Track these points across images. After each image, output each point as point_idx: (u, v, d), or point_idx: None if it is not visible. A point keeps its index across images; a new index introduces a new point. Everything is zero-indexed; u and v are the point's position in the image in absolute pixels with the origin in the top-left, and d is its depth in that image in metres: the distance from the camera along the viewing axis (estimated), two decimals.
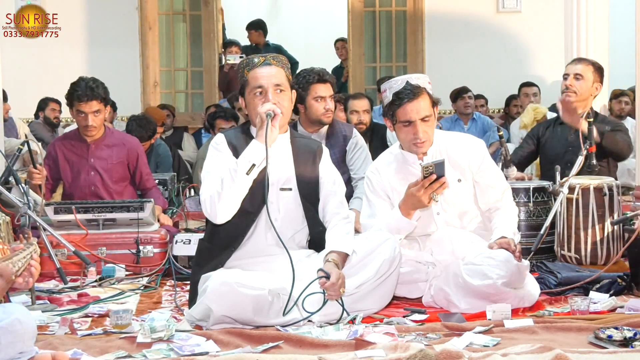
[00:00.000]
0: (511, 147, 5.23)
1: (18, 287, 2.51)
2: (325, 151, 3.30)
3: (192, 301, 3.05)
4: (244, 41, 9.27)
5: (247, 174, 2.95)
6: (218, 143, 3.15)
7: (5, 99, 6.78)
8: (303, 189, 3.15)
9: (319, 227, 3.18)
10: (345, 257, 3.05)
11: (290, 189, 3.14)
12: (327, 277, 2.89)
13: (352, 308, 2.98)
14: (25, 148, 4.03)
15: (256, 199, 3.02)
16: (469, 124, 7.36)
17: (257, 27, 9.26)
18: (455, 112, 7.57)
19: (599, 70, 4.49)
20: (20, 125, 7.24)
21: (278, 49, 8.87)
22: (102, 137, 4.47)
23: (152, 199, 4.24)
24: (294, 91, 3.20)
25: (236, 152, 3.07)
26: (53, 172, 4.46)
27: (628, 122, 6.63)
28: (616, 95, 7.46)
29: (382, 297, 3.11)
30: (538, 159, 4.83)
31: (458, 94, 7.45)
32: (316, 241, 3.17)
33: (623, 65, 7.01)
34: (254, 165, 2.95)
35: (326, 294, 2.90)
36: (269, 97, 3.04)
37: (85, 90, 4.29)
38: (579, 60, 4.60)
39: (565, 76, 4.48)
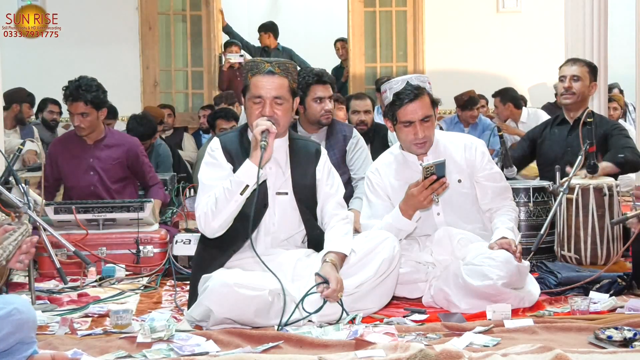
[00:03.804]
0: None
1: (15, 268, 2.49)
2: (324, 153, 3.29)
3: (192, 301, 3.05)
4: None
5: (241, 194, 2.96)
6: (213, 149, 3.14)
7: (32, 104, 6.81)
8: (299, 193, 3.15)
9: (316, 230, 3.18)
10: (343, 257, 3.04)
11: (287, 193, 3.14)
12: (326, 282, 2.89)
13: (352, 308, 2.98)
14: (25, 148, 4.03)
15: (257, 204, 3.01)
16: (469, 126, 7.32)
17: (267, 29, 9.12)
18: (458, 116, 7.46)
19: (593, 70, 4.50)
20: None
21: (289, 53, 8.81)
22: (102, 137, 4.48)
23: (152, 199, 4.25)
24: (297, 98, 3.18)
25: (231, 159, 3.07)
26: (54, 172, 4.46)
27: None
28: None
29: (381, 297, 3.11)
30: (535, 161, 4.81)
31: (467, 104, 7.18)
32: (313, 244, 3.18)
33: (622, 65, 7.02)
34: (247, 186, 2.95)
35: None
36: (266, 110, 3.02)
37: (72, 91, 4.31)
38: (574, 61, 4.56)
39: (562, 78, 4.46)
